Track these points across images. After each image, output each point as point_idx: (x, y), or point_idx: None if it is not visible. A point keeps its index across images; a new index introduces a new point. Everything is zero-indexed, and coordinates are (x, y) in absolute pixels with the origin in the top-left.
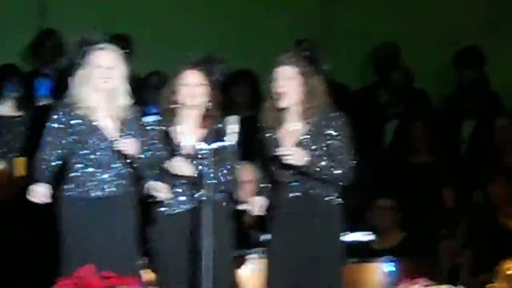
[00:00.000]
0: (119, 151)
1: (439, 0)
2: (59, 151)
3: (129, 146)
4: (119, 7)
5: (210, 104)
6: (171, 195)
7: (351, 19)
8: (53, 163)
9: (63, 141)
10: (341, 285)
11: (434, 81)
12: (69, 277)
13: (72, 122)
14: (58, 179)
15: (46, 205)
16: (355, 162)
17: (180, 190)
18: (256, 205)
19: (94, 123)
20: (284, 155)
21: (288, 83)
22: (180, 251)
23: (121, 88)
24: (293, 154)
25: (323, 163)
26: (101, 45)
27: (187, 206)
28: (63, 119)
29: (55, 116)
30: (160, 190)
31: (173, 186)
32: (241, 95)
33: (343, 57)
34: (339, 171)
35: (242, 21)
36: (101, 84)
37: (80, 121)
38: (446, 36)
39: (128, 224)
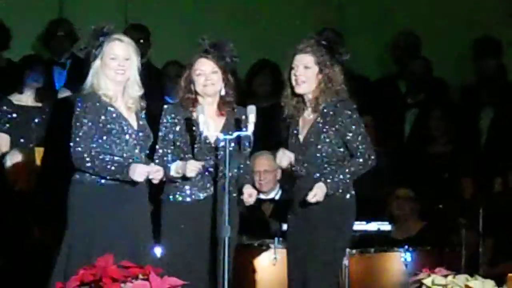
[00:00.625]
0: (141, 141)
1: None
2: (95, 140)
3: (158, 175)
4: None
5: (225, 89)
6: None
7: (369, 8)
8: (93, 152)
9: (96, 130)
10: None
11: (453, 71)
12: (88, 266)
13: (101, 110)
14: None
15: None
16: (373, 149)
17: (196, 179)
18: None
19: (119, 112)
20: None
21: (305, 71)
22: (194, 240)
23: (135, 79)
24: (316, 195)
25: (347, 175)
26: (116, 36)
27: (203, 196)
28: (92, 109)
29: (84, 106)
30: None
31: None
32: (262, 85)
33: (361, 47)
34: (361, 160)
35: (259, 10)
36: (117, 75)
37: (108, 109)
38: (465, 25)
39: (143, 213)
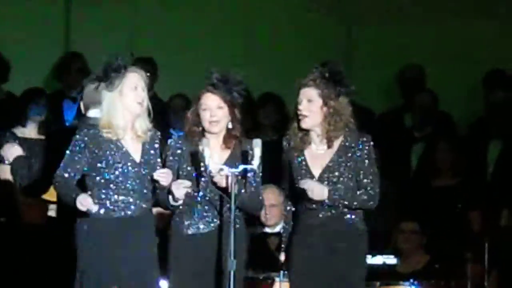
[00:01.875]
0: (143, 174)
1: (465, 24)
2: (80, 169)
3: (165, 177)
4: (142, 31)
5: (231, 124)
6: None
7: (377, 42)
8: (74, 181)
9: (85, 161)
10: None
11: (459, 105)
12: None
13: (100, 143)
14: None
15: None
16: (379, 192)
17: (201, 211)
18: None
19: (122, 145)
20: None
21: (309, 105)
22: (199, 272)
23: (146, 111)
24: (313, 190)
25: (350, 199)
26: (133, 68)
27: (208, 228)
28: (88, 140)
29: (80, 137)
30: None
31: (194, 207)
32: (267, 118)
33: (367, 80)
34: (367, 203)
35: (268, 44)
36: (136, 107)
37: (109, 142)
38: (471, 59)
39: (150, 245)
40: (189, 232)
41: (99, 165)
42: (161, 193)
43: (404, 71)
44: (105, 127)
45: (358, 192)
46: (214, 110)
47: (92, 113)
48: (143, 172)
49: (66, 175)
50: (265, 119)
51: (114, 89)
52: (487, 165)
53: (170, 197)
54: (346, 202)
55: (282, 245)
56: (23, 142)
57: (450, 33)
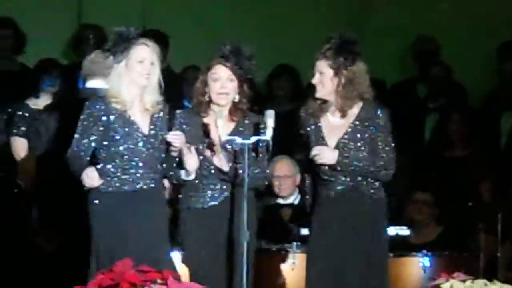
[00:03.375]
0: (152, 147)
1: None
2: (93, 144)
3: (178, 139)
4: (155, 2)
5: (238, 97)
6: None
7: (391, 12)
8: (87, 156)
9: (96, 134)
10: (387, 279)
11: (473, 76)
12: (105, 271)
13: (108, 115)
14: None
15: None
16: (394, 165)
17: (212, 184)
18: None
19: (130, 117)
20: (314, 155)
21: (321, 77)
22: (210, 245)
23: (156, 84)
24: (320, 154)
25: (363, 162)
26: (142, 40)
27: (218, 200)
28: (98, 112)
29: (90, 109)
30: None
31: (205, 180)
32: (282, 89)
33: (379, 50)
34: (380, 167)
35: (280, 14)
36: (142, 79)
37: (117, 114)
38: (486, 30)
39: (161, 218)
40: (199, 205)
41: (108, 137)
42: (174, 169)
43: (419, 42)
44: (113, 97)
45: (372, 160)
46: (225, 82)
47: (91, 83)
48: (152, 145)
49: (78, 148)
50: (280, 90)
51: (121, 61)
52: (500, 136)
53: (183, 171)
54: (358, 166)
55: (302, 217)
56: (36, 113)
57: (465, 3)
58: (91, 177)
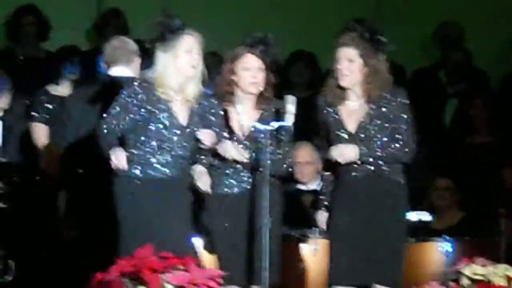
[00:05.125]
0: (187, 139)
1: None
2: (127, 125)
3: (208, 137)
4: None
5: (265, 86)
6: (209, 190)
7: None
8: (119, 134)
9: (134, 115)
10: (404, 264)
11: (494, 62)
12: (127, 257)
13: (150, 101)
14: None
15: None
16: (415, 142)
17: (234, 171)
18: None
19: (171, 107)
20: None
21: (350, 65)
22: (233, 232)
23: (201, 75)
24: (342, 154)
25: (383, 147)
26: (189, 30)
27: (241, 188)
28: (139, 96)
29: (133, 89)
30: (200, 179)
31: (230, 166)
32: (299, 75)
33: (396, 36)
34: (400, 152)
35: (297, 1)
36: (189, 69)
37: (158, 102)
38: (507, 16)
39: (187, 205)
40: (223, 191)
41: (144, 123)
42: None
43: (443, 28)
44: (159, 85)
45: (392, 145)
46: (256, 71)
47: (114, 71)
48: (186, 137)
49: (111, 126)
50: (297, 76)
51: (169, 50)
52: None
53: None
54: (378, 154)
55: (324, 204)
56: (57, 99)
57: None
58: (119, 159)
